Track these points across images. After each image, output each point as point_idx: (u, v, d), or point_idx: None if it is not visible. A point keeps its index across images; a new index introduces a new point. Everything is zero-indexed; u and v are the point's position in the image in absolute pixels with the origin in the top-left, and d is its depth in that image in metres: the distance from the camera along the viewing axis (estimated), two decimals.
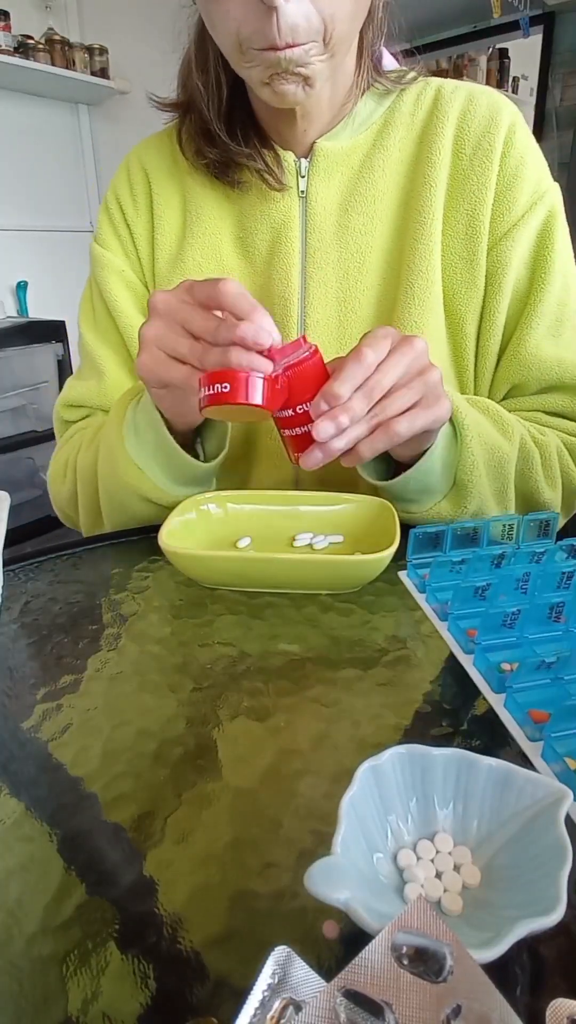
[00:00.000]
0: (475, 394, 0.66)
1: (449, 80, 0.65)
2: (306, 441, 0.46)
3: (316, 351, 0.46)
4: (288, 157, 0.62)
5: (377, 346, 0.45)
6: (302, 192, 0.63)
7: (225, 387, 0.42)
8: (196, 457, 0.57)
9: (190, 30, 0.61)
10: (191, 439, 0.57)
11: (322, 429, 0.44)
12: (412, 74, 0.64)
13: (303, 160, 0.63)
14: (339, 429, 0.44)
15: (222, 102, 0.61)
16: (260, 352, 0.43)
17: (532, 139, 0.63)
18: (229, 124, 0.62)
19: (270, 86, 0.52)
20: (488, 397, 0.66)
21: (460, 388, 0.66)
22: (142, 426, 0.55)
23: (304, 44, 0.49)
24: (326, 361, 0.47)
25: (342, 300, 0.63)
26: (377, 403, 0.45)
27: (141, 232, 0.68)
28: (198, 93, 0.61)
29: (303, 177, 0.63)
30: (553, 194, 0.63)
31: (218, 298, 0.44)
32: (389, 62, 0.65)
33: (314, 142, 0.62)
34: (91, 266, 0.71)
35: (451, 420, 0.53)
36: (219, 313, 0.46)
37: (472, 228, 0.61)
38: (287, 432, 0.48)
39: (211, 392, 0.43)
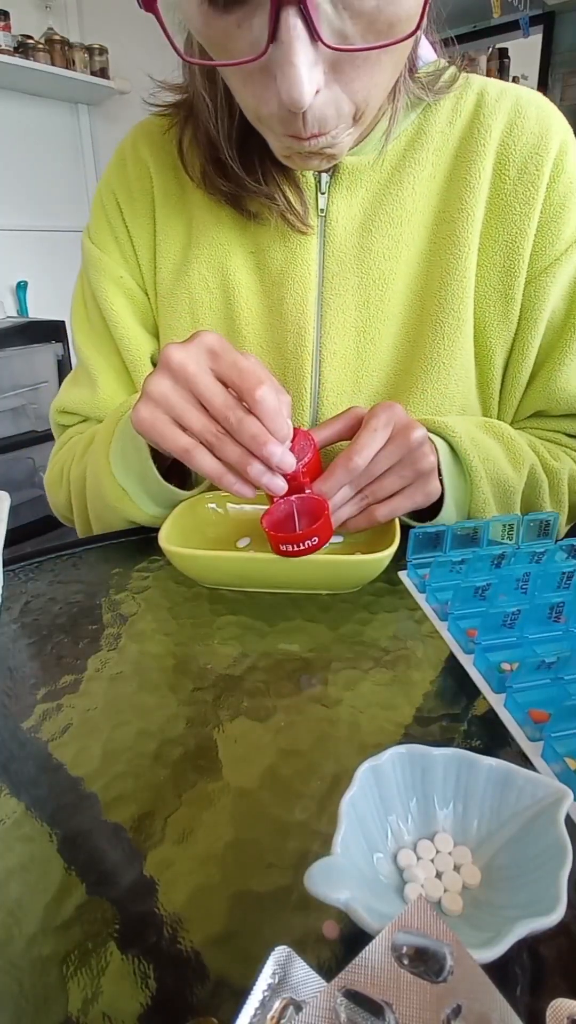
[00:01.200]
0: (499, 420, 0.63)
1: (493, 82, 0.58)
2: None
3: (316, 446, 0.49)
4: (308, 173, 0.56)
5: (370, 445, 0.46)
6: (321, 210, 0.57)
7: (314, 540, 0.44)
8: (186, 476, 0.57)
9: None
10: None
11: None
12: (451, 71, 0.56)
13: (323, 175, 0.56)
14: None
15: (234, 122, 0.53)
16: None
17: None
18: (242, 151, 0.54)
19: (291, 159, 0.48)
20: (512, 420, 0.64)
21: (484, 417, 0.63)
22: (129, 451, 0.53)
23: (331, 132, 0.44)
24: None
25: (361, 330, 0.58)
26: (367, 486, 0.48)
27: (141, 236, 0.62)
28: (203, 105, 0.53)
29: (323, 194, 0.57)
30: None
31: (251, 403, 0.42)
32: (427, 52, 0.56)
33: None
34: (83, 263, 0.65)
35: (460, 459, 0.53)
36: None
37: (511, 262, 0.56)
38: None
39: (300, 548, 0.44)
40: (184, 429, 0.44)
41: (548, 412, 0.63)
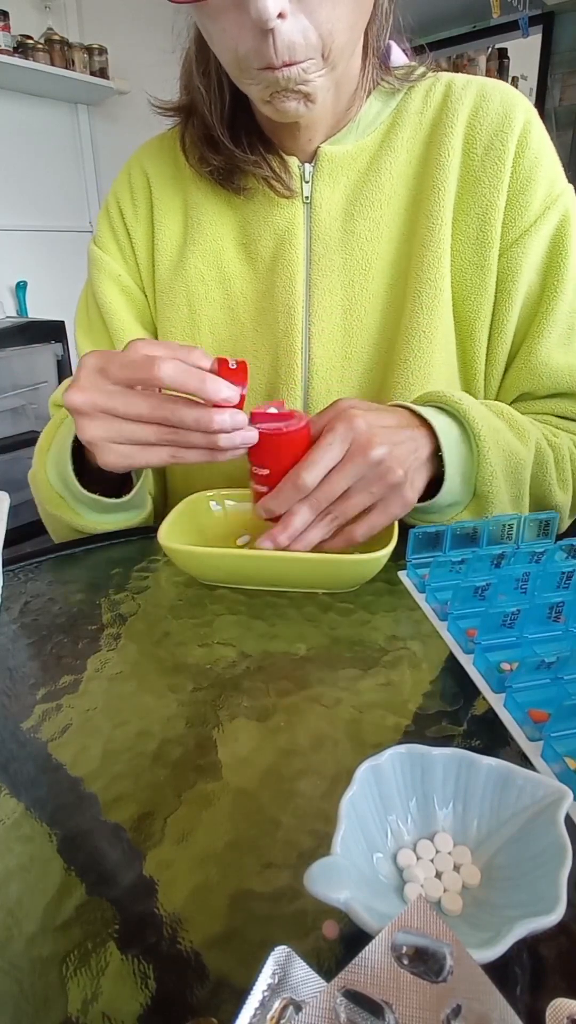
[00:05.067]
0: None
1: (460, 75, 0.63)
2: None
3: (307, 426, 0.47)
4: (292, 163, 0.61)
5: (321, 461, 0.45)
6: (306, 198, 0.62)
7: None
8: (129, 480, 0.59)
9: (190, 30, 0.59)
10: None
11: (263, 542, 0.47)
12: (421, 70, 0.62)
13: (307, 165, 0.61)
14: (277, 546, 0.46)
15: (224, 106, 0.59)
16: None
17: (547, 138, 0.61)
18: (232, 129, 0.60)
19: (271, 103, 0.51)
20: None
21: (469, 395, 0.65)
22: (57, 459, 0.57)
23: (302, 62, 0.47)
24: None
25: (347, 308, 0.62)
26: (335, 504, 0.46)
27: (140, 238, 0.67)
28: (199, 96, 0.60)
29: (307, 183, 0.61)
30: (567, 197, 0.61)
31: (160, 386, 0.44)
32: (398, 56, 0.62)
33: (318, 147, 0.60)
34: (88, 268, 0.70)
35: (466, 431, 0.53)
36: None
37: (483, 233, 0.59)
38: (254, 486, 0.50)
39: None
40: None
41: (534, 393, 0.63)
